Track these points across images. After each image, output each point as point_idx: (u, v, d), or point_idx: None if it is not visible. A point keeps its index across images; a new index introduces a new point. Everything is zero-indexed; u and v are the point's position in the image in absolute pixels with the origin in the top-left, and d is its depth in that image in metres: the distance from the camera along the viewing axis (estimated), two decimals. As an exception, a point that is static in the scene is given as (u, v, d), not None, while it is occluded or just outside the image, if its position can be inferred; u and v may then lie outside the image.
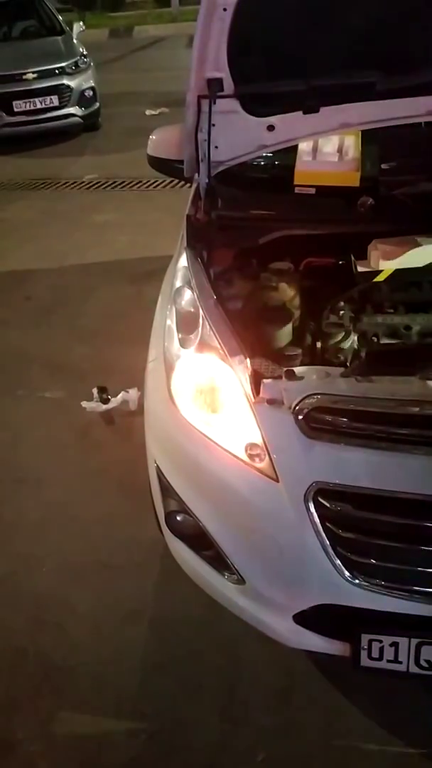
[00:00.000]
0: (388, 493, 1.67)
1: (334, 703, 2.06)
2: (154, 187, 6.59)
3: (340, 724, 2.01)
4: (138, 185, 6.75)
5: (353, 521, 1.71)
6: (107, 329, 4.18)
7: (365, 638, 1.76)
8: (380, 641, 1.76)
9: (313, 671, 2.14)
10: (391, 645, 1.75)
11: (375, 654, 1.77)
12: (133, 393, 3.39)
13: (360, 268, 2.25)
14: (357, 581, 1.71)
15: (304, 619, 1.83)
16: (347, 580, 1.71)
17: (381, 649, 1.76)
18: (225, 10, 1.98)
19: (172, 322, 2.09)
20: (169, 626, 2.34)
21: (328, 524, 1.70)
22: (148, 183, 6.70)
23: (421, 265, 2.19)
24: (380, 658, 1.77)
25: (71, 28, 9.37)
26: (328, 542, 1.70)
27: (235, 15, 1.99)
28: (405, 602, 1.71)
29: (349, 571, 1.71)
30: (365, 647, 1.77)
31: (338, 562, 1.71)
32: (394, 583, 1.71)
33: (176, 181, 6.20)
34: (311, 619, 1.82)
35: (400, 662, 1.76)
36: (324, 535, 1.70)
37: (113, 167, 7.33)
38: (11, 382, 3.76)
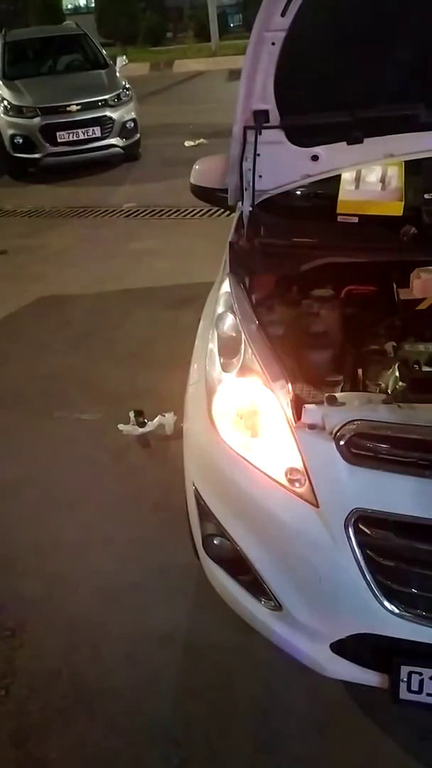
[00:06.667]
0: (430, 521, 1.65)
1: (371, 735, 2.02)
2: (192, 216, 6.69)
3: (377, 757, 1.97)
4: (176, 213, 6.86)
5: (394, 549, 1.70)
6: (144, 353, 4.23)
7: (405, 670, 1.73)
8: (420, 674, 1.72)
9: (350, 702, 2.10)
10: (431, 678, 1.72)
11: (414, 687, 1.73)
12: (169, 417, 3.41)
13: (402, 297, 2.25)
14: (397, 611, 1.69)
15: (342, 648, 1.81)
16: (387, 610, 1.69)
17: (421, 682, 1.73)
18: (273, 44, 2.04)
19: (214, 347, 2.11)
20: (203, 651, 2.32)
21: (368, 552, 1.68)
22: (186, 211, 6.80)
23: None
24: (420, 691, 1.73)
25: (114, 62, 9.65)
26: (367, 570, 1.68)
27: (282, 49, 2.04)
28: (447, 634, 1.68)
29: (389, 600, 1.69)
30: (404, 679, 1.73)
31: (378, 590, 1.68)
32: (435, 614, 1.68)
33: (213, 209, 6.36)
34: (349, 648, 1.80)
35: (441, 696, 1.72)
36: (364, 562, 1.68)
37: (152, 196, 7.47)
38: (49, 403, 3.82)
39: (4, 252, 6.28)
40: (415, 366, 2.02)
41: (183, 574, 2.55)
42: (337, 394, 1.85)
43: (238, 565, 1.92)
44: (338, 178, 2.54)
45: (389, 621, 1.69)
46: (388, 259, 2.36)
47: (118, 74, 9.35)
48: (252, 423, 1.90)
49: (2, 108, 8.65)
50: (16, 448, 3.50)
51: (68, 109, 8.43)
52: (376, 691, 1.81)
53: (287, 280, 2.45)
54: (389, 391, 1.97)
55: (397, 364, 2.05)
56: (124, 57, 10.25)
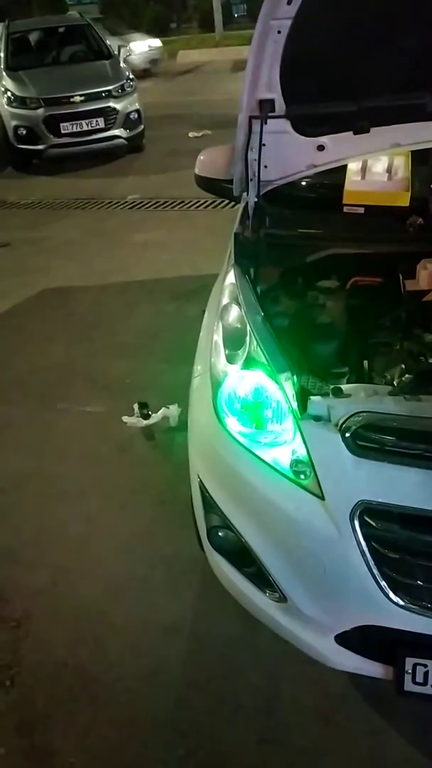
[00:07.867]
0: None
1: (375, 727, 2.02)
2: (196, 208, 6.68)
3: (381, 749, 1.97)
4: (180, 205, 6.84)
5: (399, 541, 1.69)
6: (148, 345, 4.22)
7: (409, 662, 1.73)
8: (425, 665, 1.73)
9: (354, 694, 2.10)
10: (436, 670, 1.72)
11: (419, 679, 1.73)
12: (173, 409, 3.40)
13: (408, 288, 2.24)
14: (402, 603, 1.68)
15: (347, 639, 1.81)
16: (392, 601, 1.68)
17: (426, 674, 1.73)
18: (279, 32, 2.01)
19: (219, 338, 2.10)
20: (207, 643, 2.32)
21: (373, 544, 1.68)
22: (190, 203, 6.78)
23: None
24: (425, 683, 1.73)
25: (118, 53, 9.60)
26: (372, 562, 1.68)
27: (288, 37, 2.02)
28: (452, 626, 1.68)
29: (394, 592, 1.68)
30: (409, 671, 1.73)
31: (383, 582, 1.68)
32: (440, 606, 1.68)
33: (217, 201, 6.34)
34: (354, 640, 1.80)
35: (446, 688, 1.72)
36: (369, 554, 1.68)
37: (156, 188, 7.45)
38: (54, 395, 3.82)
39: (7, 244, 6.27)
40: (421, 358, 2.02)
41: (188, 565, 2.56)
42: (343, 386, 1.84)
43: (242, 557, 1.91)
44: (344, 168, 2.52)
45: (394, 613, 1.69)
46: (394, 249, 2.35)
47: (122, 65, 9.32)
48: (257, 415, 1.89)
49: (6, 99, 8.63)
50: (20, 440, 3.50)
51: (72, 100, 8.41)
52: (381, 682, 1.81)
53: (292, 271, 2.43)
54: (395, 383, 1.96)
55: (403, 356, 2.05)
56: (128, 47, 10.20)
